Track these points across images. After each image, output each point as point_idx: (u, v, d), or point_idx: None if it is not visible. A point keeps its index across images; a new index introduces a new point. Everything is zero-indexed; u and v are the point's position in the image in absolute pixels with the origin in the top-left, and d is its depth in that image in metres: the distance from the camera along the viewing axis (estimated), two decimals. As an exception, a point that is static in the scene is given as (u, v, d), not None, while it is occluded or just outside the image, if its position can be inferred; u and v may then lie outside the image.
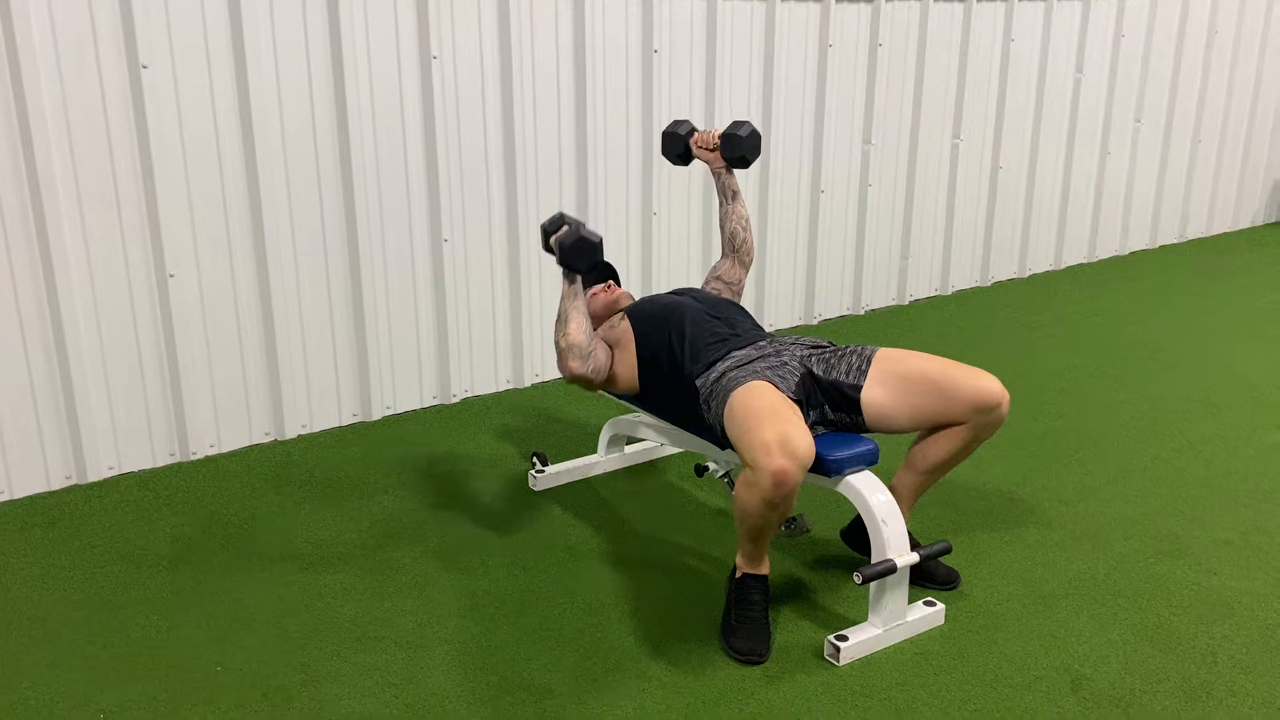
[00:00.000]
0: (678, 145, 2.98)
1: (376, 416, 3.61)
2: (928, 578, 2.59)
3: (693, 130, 2.97)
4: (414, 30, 3.39)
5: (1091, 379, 4.02)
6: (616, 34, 3.79)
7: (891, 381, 2.44)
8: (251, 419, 3.39)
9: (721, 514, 2.97)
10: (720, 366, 2.45)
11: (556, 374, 4.00)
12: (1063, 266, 5.66)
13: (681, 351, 2.55)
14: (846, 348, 2.53)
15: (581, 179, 3.84)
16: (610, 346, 2.71)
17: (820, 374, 2.47)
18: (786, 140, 4.35)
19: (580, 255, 2.49)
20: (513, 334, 3.85)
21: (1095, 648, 2.36)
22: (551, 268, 3.85)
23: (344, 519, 2.93)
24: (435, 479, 3.18)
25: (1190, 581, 2.63)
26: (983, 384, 2.40)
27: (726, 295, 2.94)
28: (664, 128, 2.99)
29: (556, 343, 2.58)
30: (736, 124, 2.86)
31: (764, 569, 2.38)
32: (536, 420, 3.63)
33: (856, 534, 2.71)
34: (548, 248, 2.67)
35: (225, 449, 3.37)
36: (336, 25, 3.23)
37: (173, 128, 3.05)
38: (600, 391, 2.92)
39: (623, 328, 2.72)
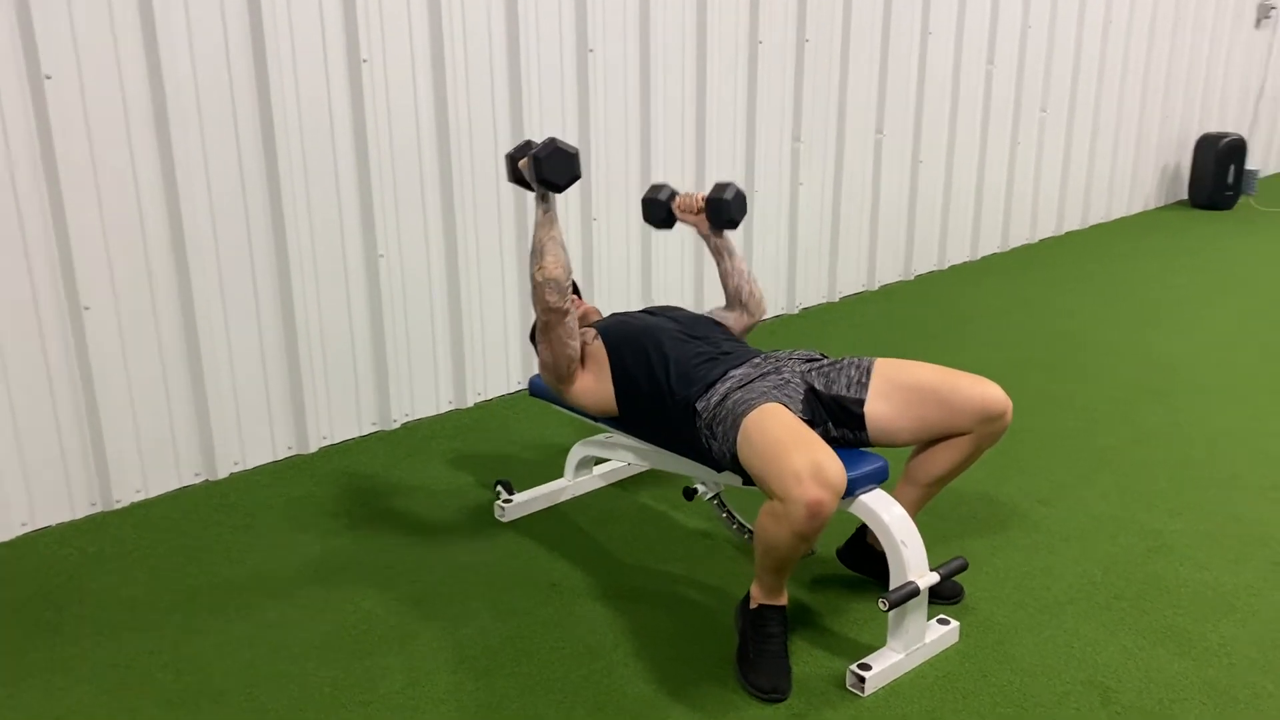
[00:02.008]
0: (659, 211, 2.83)
1: (314, 448, 3.36)
2: (933, 594, 2.50)
3: (673, 194, 2.81)
4: (341, 31, 3.15)
5: (1031, 371, 4.03)
6: (550, 33, 3.61)
7: (894, 393, 2.35)
8: (179, 459, 3.10)
9: (705, 536, 2.84)
10: (720, 388, 2.31)
11: (500, 392, 3.80)
12: (979, 257, 5.72)
13: (666, 373, 2.40)
14: (842, 360, 2.43)
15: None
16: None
17: (821, 389, 2.36)
18: (720, 140, 4.23)
19: (560, 166, 2.35)
20: (453, 352, 3.63)
21: (1112, 656, 2.32)
22: (491, 277, 3.65)
23: (301, 566, 2.69)
24: (392, 515, 2.96)
25: (1184, 579, 2.61)
26: (987, 392, 2.33)
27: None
28: (643, 194, 2.84)
29: (532, 277, 2.42)
30: (720, 187, 2.71)
31: (782, 600, 2.26)
32: (487, 443, 3.43)
33: (855, 553, 2.61)
34: (515, 177, 2.52)
35: (153, 494, 3.07)
36: (260, 27, 2.97)
37: (81, 143, 2.74)
38: (571, 411, 2.76)
39: (595, 347, 2.56)
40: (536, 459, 3.31)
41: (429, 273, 3.51)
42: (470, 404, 3.72)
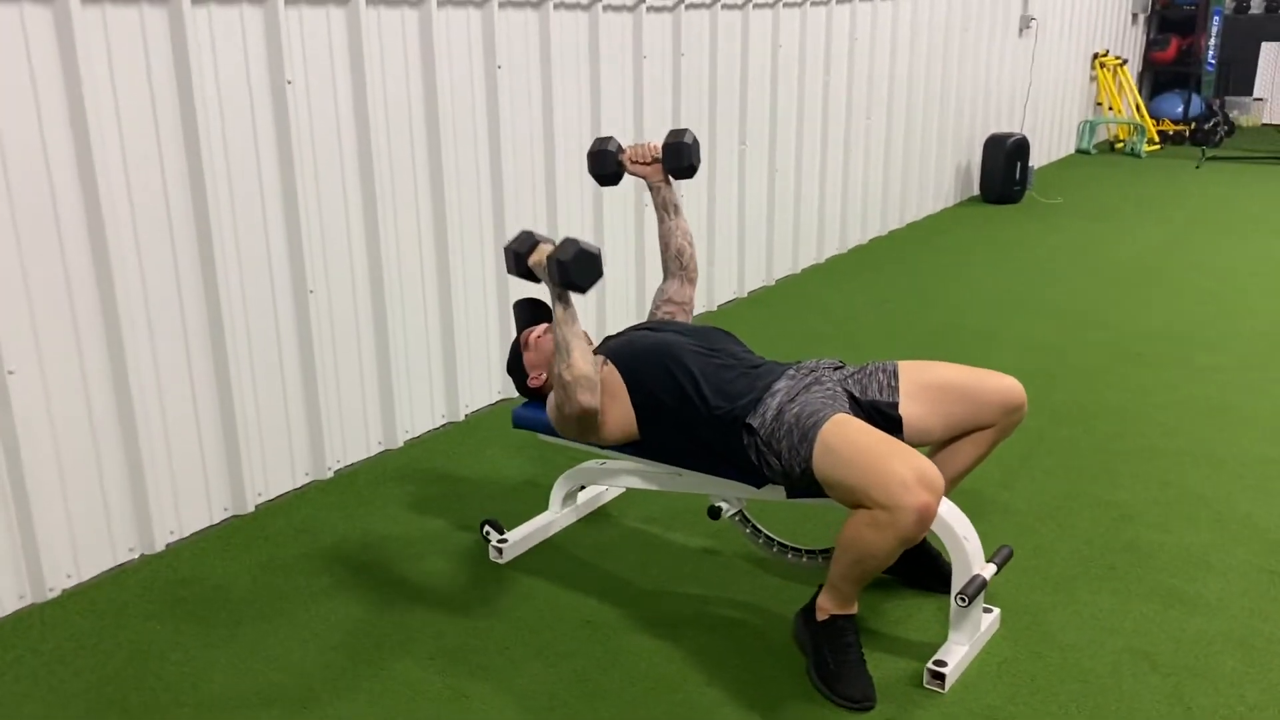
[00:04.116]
0: (608, 163, 2.76)
1: (251, 508, 3.06)
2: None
3: (620, 147, 2.77)
4: (264, 53, 2.90)
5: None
6: (461, 52, 3.46)
7: (922, 394, 2.41)
8: (113, 535, 2.75)
9: (712, 553, 2.81)
10: (770, 402, 2.29)
11: (427, 428, 3.61)
12: (824, 259, 5.96)
13: (698, 390, 2.36)
14: (867, 366, 2.47)
15: (439, 203, 3.48)
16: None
17: (858, 395, 2.39)
18: (613, 155, 4.20)
19: (587, 270, 2.24)
20: (381, 390, 3.42)
21: (1136, 622, 2.48)
22: (414, 305, 3.46)
23: (306, 637, 2.45)
24: (378, 571, 2.74)
25: (1157, 543, 2.83)
26: (1007, 386, 2.44)
27: (681, 318, 2.79)
28: (589, 147, 2.77)
29: (559, 376, 2.31)
30: (676, 133, 2.70)
31: (854, 609, 2.27)
32: (434, 484, 3.24)
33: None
34: (522, 271, 2.37)
35: (85, 577, 2.70)
36: (185, 64, 2.69)
37: (-3, 184, 2.39)
38: (568, 442, 2.66)
39: (606, 373, 2.47)
40: (494, 494, 3.16)
41: (355, 306, 3.28)
42: (400, 443, 3.51)
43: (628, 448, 2.54)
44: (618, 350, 2.51)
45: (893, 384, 2.41)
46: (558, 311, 2.31)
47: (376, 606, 2.57)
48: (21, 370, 2.49)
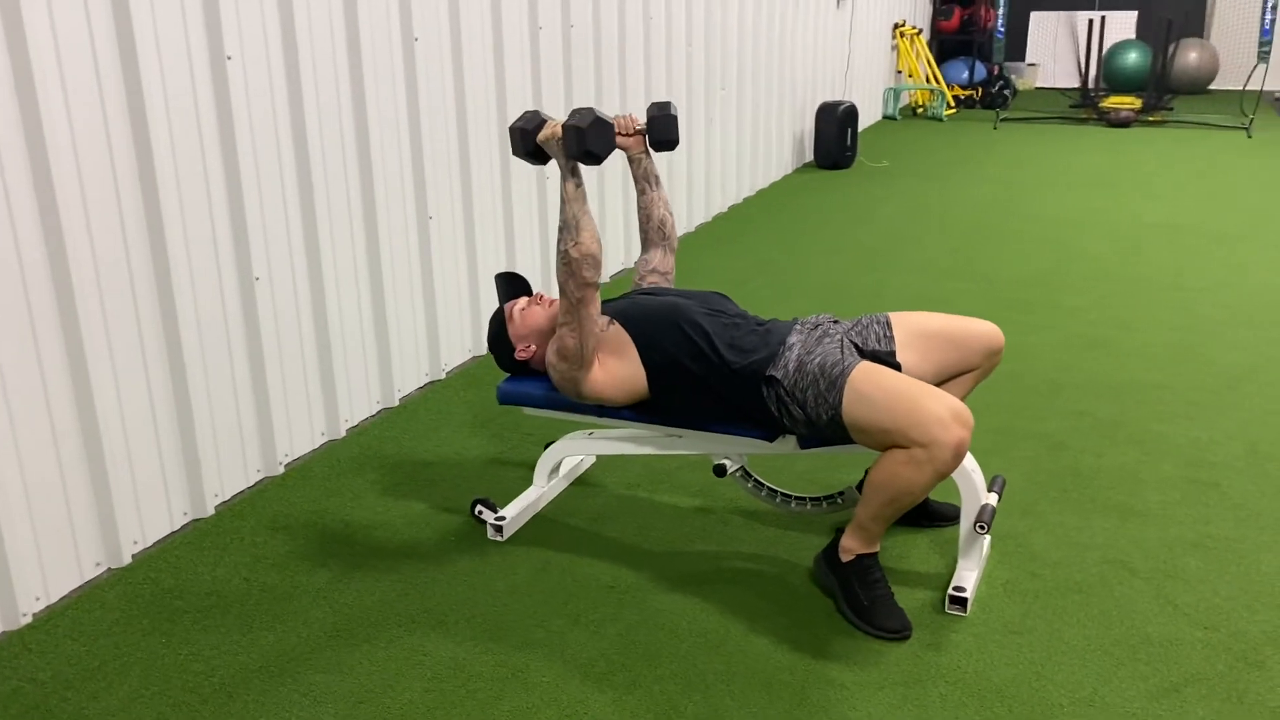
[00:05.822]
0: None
1: (211, 510, 2.90)
2: (939, 517, 2.77)
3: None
4: (203, 27, 2.73)
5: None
6: (382, 22, 3.36)
7: (915, 342, 2.55)
8: (79, 550, 2.55)
9: (703, 511, 2.88)
10: (789, 355, 2.38)
11: (365, 415, 3.49)
12: (695, 227, 6.09)
13: (713, 347, 2.42)
14: (861, 319, 2.58)
15: (366, 182, 3.37)
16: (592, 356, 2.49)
17: (860, 345, 2.51)
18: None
19: (604, 137, 2.25)
20: (323, 380, 3.29)
21: (1104, 536, 2.72)
22: (348, 287, 3.34)
23: (329, 633, 2.36)
24: (373, 561, 2.66)
25: (1094, 466, 3.10)
26: (989, 330, 2.61)
27: (665, 287, 2.84)
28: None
29: (566, 254, 2.32)
30: (660, 105, 2.73)
31: (878, 547, 2.39)
32: (400, 470, 3.16)
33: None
34: (528, 151, 2.36)
35: (55, 598, 2.50)
36: (131, 46, 2.50)
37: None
38: (557, 412, 2.66)
39: (612, 333, 2.50)
40: (463, 475, 3.11)
41: (295, 293, 3.15)
42: (343, 433, 3.39)
43: (629, 410, 2.57)
44: (624, 311, 2.53)
45: (888, 334, 2.54)
46: (569, 189, 2.31)
47: (391, 595, 2.50)
48: (-16, 378, 2.28)
